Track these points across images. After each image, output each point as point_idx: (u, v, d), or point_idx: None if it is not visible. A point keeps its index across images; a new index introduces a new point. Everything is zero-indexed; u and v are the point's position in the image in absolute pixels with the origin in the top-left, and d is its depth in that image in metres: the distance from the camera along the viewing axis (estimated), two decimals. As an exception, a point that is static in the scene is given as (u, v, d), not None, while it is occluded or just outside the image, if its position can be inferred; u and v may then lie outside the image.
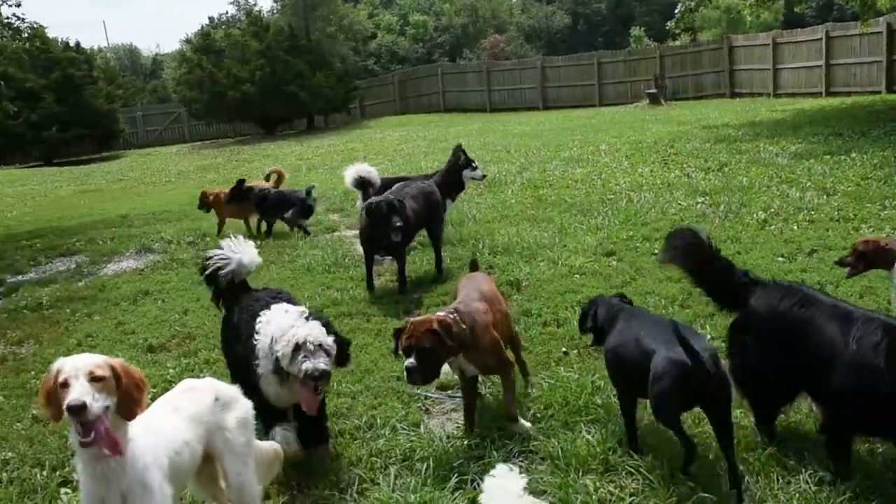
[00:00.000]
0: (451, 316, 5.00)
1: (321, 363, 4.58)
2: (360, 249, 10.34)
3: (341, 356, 4.91)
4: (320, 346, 4.63)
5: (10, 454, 5.68)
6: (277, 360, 4.72)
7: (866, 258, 5.89)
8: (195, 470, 4.02)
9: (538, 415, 5.32)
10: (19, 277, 11.79)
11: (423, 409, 5.78)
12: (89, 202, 20.31)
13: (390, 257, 9.07)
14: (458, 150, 10.56)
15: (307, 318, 4.83)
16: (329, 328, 4.84)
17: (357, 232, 9.86)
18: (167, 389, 6.29)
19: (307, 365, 4.56)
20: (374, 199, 8.71)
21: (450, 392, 5.99)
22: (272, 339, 4.76)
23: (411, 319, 5.00)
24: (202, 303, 8.89)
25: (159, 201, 18.16)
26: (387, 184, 10.18)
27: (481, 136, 22.74)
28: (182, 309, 8.81)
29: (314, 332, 4.68)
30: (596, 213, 11.07)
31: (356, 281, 9.12)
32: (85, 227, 15.31)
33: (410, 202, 8.86)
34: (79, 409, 3.15)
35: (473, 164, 10.55)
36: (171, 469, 3.64)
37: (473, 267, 6.50)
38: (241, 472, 4.01)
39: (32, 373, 7.36)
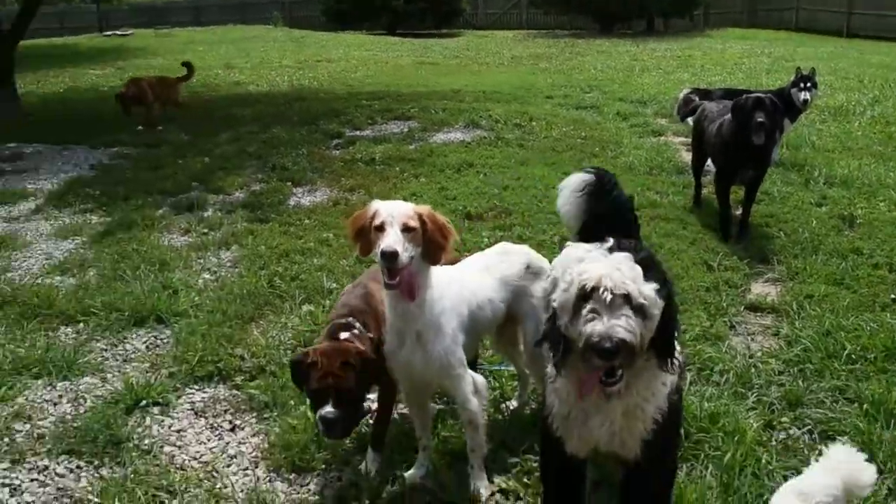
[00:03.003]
0: (354, 332, 3.85)
1: (619, 327, 2.63)
2: (685, 157, 10.10)
3: (665, 326, 2.81)
4: (626, 296, 2.67)
5: (334, 285, 6.21)
6: (554, 316, 2.87)
7: None
8: (495, 327, 4.20)
9: (853, 355, 5.01)
10: (357, 133, 12.60)
11: (730, 325, 5.63)
12: (425, 74, 21.16)
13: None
14: (799, 71, 9.73)
15: (610, 250, 2.87)
16: (649, 269, 2.78)
17: (689, 140, 9.43)
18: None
19: (592, 328, 2.64)
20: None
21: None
22: (552, 285, 3.05)
23: (316, 347, 3.74)
24: (522, 182, 9.13)
25: (491, 82, 18.55)
26: (724, 95, 9.74)
27: (832, 60, 21.08)
28: (502, 185, 9.04)
29: (616, 272, 2.70)
30: (956, 160, 10.01)
31: (677, 187, 8.93)
32: (419, 96, 15.98)
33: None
34: (391, 256, 3.32)
35: (804, 85, 9.66)
36: (470, 320, 3.82)
37: None
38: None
39: (360, 218, 7.95)
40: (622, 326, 2.61)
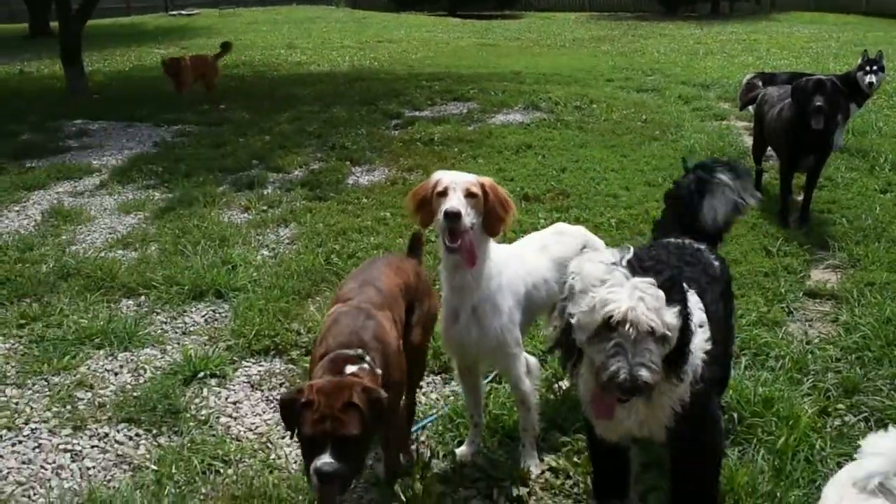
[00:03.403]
0: (365, 367, 3.21)
1: (643, 369, 2.59)
2: (747, 141, 9.95)
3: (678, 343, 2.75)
4: (650, 332, 2.61)
5: (389, 267, 6.27)
6: (567, 328, 2.80)
7: None
8: (549, 308, 4.18)
9: None
10: (416, 113, 12.64)
11: (787, 310, 5.55)
12: (486, 55, 21.10)
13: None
14: (866, 54, 9.51)
15: (631, 267, 2.72)
16: (671, 290, 2.70)
17: (752, 124, 9.24)
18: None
19: (616, 366, 2.59)
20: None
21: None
22: (569, 292, 2.80)
23: (313, 383, 3.04)
24: (580, 164, 9.11)
25: (551, 64, 18.46)
26: (788, 80, 9.58)
27: (903, 45, 20.58)
28: (560, 167, 9.02)
29: (641, 306, 2.61)
30: None
31: (739, 171, 8.79)
32: (479, 78, 15.96)
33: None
34: (455, 216, 3.35)
35: (869, 68, 9.42)
36: (525, 299, 3.82)
37: (414, 243, 4.41)
38: None
39: (421, 198, 8.03)
40: (646, 367, 2.60)
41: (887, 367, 4.68)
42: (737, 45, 21.89)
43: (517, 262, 3.83)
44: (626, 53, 20.86)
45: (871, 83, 9.24)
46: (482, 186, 3.51)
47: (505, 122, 11.75)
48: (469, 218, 3.41)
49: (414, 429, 4.20)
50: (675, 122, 11.41)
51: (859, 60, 9.41)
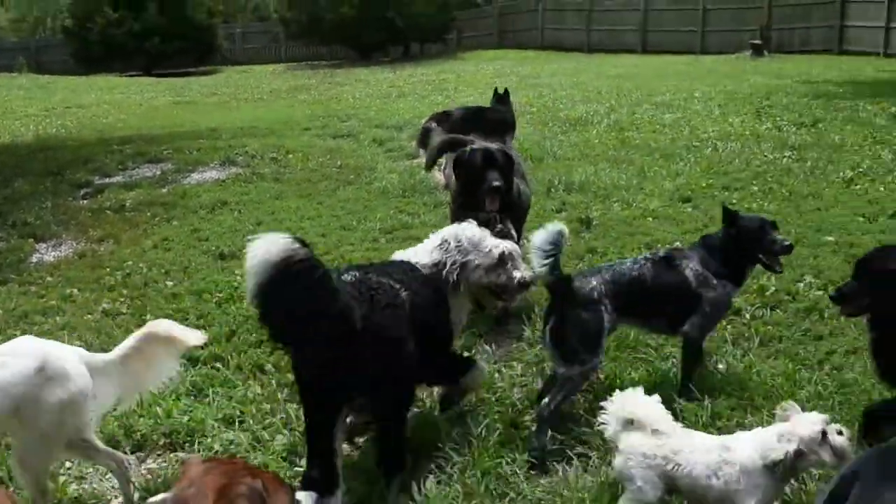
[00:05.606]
0: None
1: None
2: (436, 176, 10.38)
3: None
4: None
5: (78, 343, 5.92)
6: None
7: None
8: None
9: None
10: (106, 180, 12.12)
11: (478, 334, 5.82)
12: (182, 113, 20.71)
13: None
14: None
15: None
16: None
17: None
18: (232, 296, 6.53)
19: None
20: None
21: None
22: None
23: None
24: (276, 216, 9.16)
25: (249, 117, 18.41)
26: (463, 114, 10.24)
27: (575, 75, 22.35)
28: (256, 220, 9.01)
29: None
30: (678, 159, 10.82)
31: (429, 207, 9.17)
32: (174, 137, 15.60)
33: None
34: None
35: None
36: None
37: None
38: None
39: (107, 269, 7.76)
40: None
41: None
42: (427, 86, 22.86)
43: None
44: (323, 101, 21.20)
45: None
46: None
47: (200, 181, 11.57)
48: None
49: None
50: (368, 165, 11.72)
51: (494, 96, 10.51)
